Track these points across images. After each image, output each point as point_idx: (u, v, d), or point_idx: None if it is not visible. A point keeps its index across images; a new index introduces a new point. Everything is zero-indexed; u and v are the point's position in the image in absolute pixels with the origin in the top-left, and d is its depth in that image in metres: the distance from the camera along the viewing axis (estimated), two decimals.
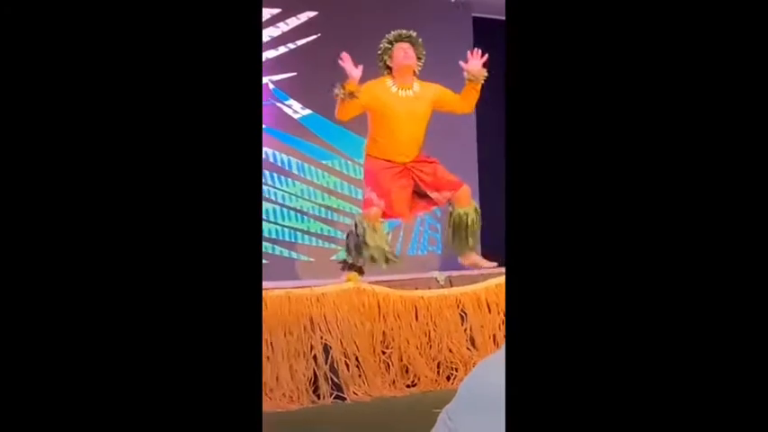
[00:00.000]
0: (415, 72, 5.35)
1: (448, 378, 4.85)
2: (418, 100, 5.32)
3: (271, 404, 4.38)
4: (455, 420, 1.39)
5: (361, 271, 5.25)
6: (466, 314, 5.03)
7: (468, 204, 5.44)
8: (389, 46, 5.29)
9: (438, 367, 4.89)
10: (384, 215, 5.30)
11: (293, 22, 7.50)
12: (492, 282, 5.13)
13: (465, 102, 5.46)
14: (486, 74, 5.27)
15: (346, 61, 5.10)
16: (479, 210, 5.50)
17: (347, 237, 5.35)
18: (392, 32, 5.35)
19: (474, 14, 8.44)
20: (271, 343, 4.53)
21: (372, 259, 5.16)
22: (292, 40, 7.49)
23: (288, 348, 4.57)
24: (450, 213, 5.47)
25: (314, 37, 7.51)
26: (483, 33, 8.35)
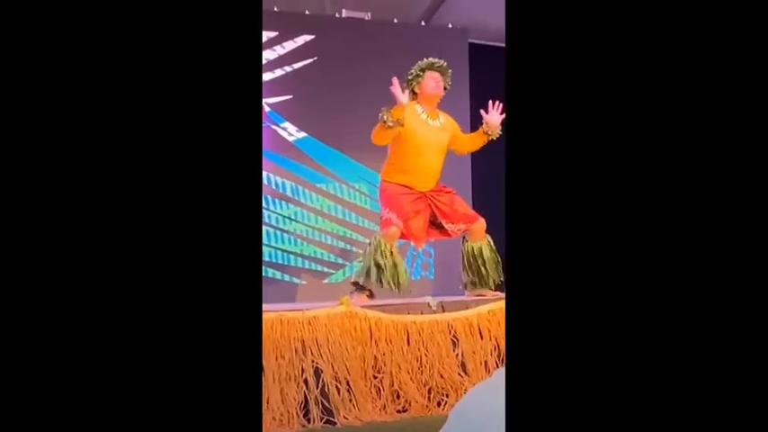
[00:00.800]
0: (439, 102, 5.38)
1: (439, 404, 4.83)
2: (443, 131, 5.38)
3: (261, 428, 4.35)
4: None
5: (371, 294, 5.26)
6: (458, 340, 5.02)
7: (482, 239, 5.45)
8: (420, 73, 5.31)
9: (429, 393, 4.87)
10: (402, 236, 5.31)
11: (290, 45, 7.53)
12: (484, 308, 5.12)
13: (471, 146, 5.53)
14: (500, 132, 5.29)
15: (396, 87, 5.08)
16: (492, 244, 5.48)
17: (363, 257, 5.31)
18: (424, 60, 5.38)
19: (470, 40, 8.48)
20: (262, 366, 4.51)
21: (389, 284, 5.17)
22: (289, 63, 7.52)
23: (279, 372, 4.55)
24: (465, 247, 5.48)
25: (310, 60, 7.53)
26: (479, 59, 8.39)
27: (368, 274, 5.25)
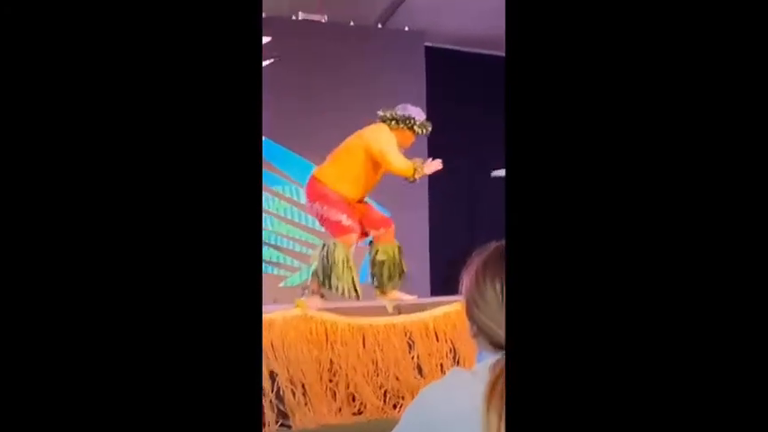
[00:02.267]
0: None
1: (395, 406, 4.83)
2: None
3: None
4: None
5: (322, 296, 5.28)
6: (414, 342, 5.02)
7: (392, 242, 5.57)
8: (406, 126, 5.40)
9: (385, 395, 4.87)
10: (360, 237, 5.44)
11: None
12: (440, 310, 5.13)
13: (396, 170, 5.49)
14: (419, 177, 5.41)
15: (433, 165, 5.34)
16: (401, 247, 5.61)
17: (319, 260, 5.33)
18: (420, 120, 5.46)
19: (427, 44, 8.50)
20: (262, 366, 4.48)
21: (341, 291, 5.21)
22: None
23: None
24: (376, 251, 5.54)
25: (267, 62, 7.50)
26: (435, 63, 8.42)
27: (322, 277, 5.25)
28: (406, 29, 8.44)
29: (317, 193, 5.39)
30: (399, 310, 5.18)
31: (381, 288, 5.50)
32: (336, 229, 5.32)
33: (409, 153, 5.47)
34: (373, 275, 5.52)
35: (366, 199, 5.67)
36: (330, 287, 5.21)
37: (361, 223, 5.44)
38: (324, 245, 5.35)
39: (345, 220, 5.30)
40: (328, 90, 7.81)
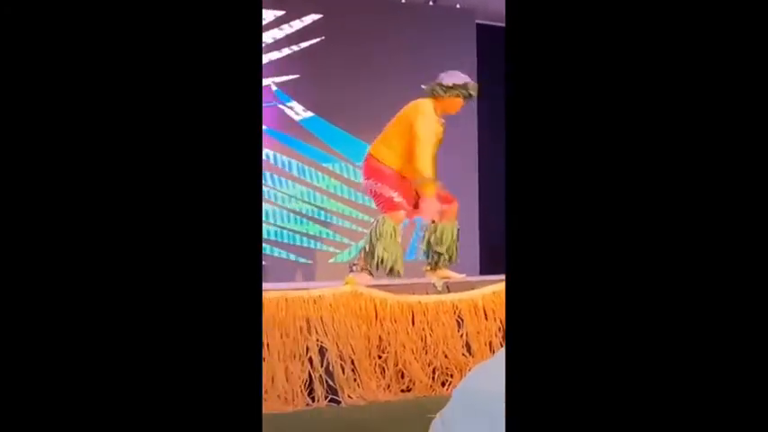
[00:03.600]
0: None
1: (443, 384, 4.85)
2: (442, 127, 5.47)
3: (266, 405, 4.37)
4: (448, 425, 1.39)
5: (371, 274, 5.28)
6: (462, 320, 5.03)
7: (454, 221, 5.54)
8: (452, 93, 5.36)
9: (433, 373, 4.89)
10: (407, 216, 5.41)
11: (297, 24, 7.51)
12: (489, 289, 5.13)
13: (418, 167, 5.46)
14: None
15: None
16: (459, 228, 5.60)
17: (368, 236, 5.35)
18: (468, 83, 5.42)
19: (478, 21, 8.45)
20: (267, 344, 4.53)
21: (385, 264, 5.20)
22: (296, 43, 7.50)
23: (284, 350, 4.57)
24: (435, 227, 5.51)
25: (317, 39, 7.52)
26: (486, 40, 8.37)
27: (371, 254, 5.26)
28: (458, 6, 8.40)
29: (371, 169, 5.40)
30: (449, 287, 5.18)
31: (433, 264, 5.49)
32: (386, 204, 5.33)
33: (456, 120, 5.42)
34: (428, 250, 5.50)
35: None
36: (375, 261, 5.22)
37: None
38: (375, 221, 5.36)
39: (397, 196, 5.30)
40: (379, 67, 7.80)
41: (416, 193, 5.42)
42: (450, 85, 5.37)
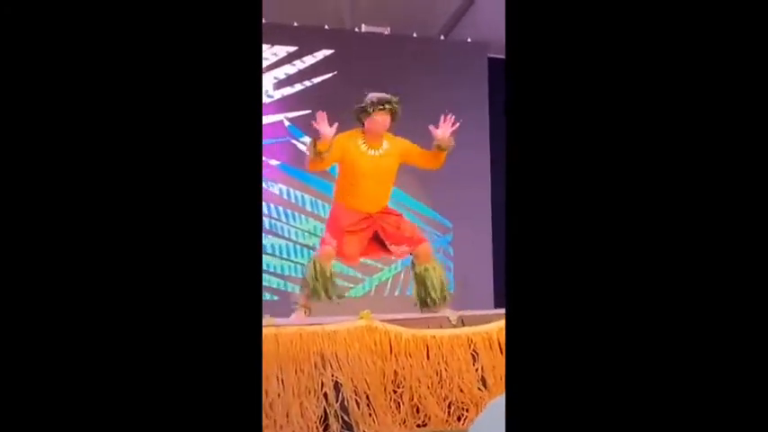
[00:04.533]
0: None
1: (459, 418, 4.82)
2: (386, 157, 5.46)
3: None
4: None
5: (308, 311, 5.43)
6: (477, 354, 5.01)
7: (428, 260, 5.57)
8: (370, 110, 5.34)
9: (449, 407, 4.86)
10: (337, 255, 5.50)
11: (309, 59, 7.56)
12: (504, 322, 5.11)
13: (431, 162, 5.59)
14: (453, 143, 5.39)
15: (320, 122, 5.22)
16: (440, 264, 5.66)
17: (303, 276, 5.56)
18: (374, 96, 5.40)
19: (490, 55, 8.49)
20: (282, 380, 4.52)
21: (315, 296, 5.39)
22: (308, 78, 7.55)
23: (298, 385, 4.56)
24: (414, 270, 5.59)
25: (330, 75, 7.56)
26: (498, 74, 8.40)
27: (305, 292, 5.45)
28: (469, 40, 8.44)
29: (330, 212, 5.72)
30: (463, 321, 5.17)
31: (423, 306, 5.54)
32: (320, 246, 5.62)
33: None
34: (419, 298, 5.56)
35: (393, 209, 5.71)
36: (312, 298, 5.41)
37: (383, 235, 5.50)
38: (307, 261, 5.66)
39: (324, 233, 5.60)
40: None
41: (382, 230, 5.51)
42: (375, 100, 5.38)
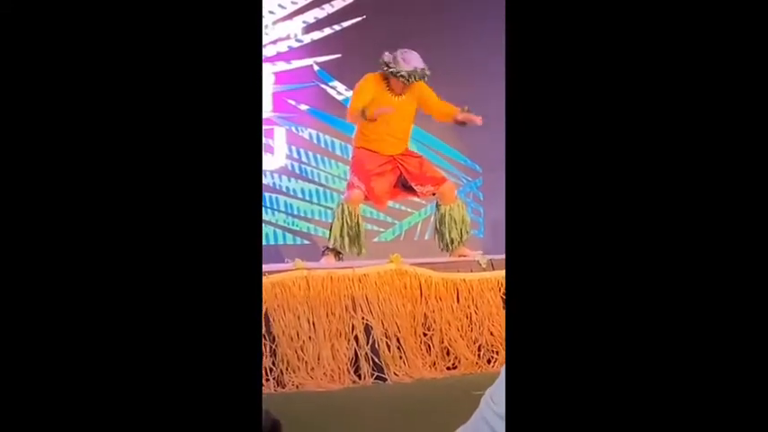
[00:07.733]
0: None
1: (488, 361, 4.86)
2: (406, 101, 5.53)
3: (312, 383, 4.42)
4: (499, 404, 1.39)
5: (338, 255, 5.45)
6: None
7: (452, 201, 5.61)
8: (405, 79, 5.38)
9: (479, 350, 4.91)
10: (366, 198, 5.58)
11: (339, 3, 7.51)
12: None
13: (443, 118, 5.71)
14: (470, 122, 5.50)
15: (385, 110, 5.37)
16: (464, 204, 5.73)
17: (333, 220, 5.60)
18: (416, 68, 5.41)
19: None
20: (313, 323, 4.57)
21: (344, 244, 5.43)
22: (338, 22, 7.50)
23: (329, 328, 4.61)
24: (438, 210, 5.63)
25: (359, 19, 7.51)
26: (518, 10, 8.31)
27: (334, 236, 5.47)
28: None
29: (353, 157, 5.75)
30: (493, 264, 5.19)
31: (445, 248, 5.56)
32: (347, 189, 5.70)
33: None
34: (440, 237, 5.60)
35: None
36: (339, 244, 5.43)
37: (408, 177, 5.53)
38: (337, 204, 5.67)
39: (351, 176, 5.66)
40: (420, 45, 7.78)
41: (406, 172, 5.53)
42: (409, 73, 5.40)
